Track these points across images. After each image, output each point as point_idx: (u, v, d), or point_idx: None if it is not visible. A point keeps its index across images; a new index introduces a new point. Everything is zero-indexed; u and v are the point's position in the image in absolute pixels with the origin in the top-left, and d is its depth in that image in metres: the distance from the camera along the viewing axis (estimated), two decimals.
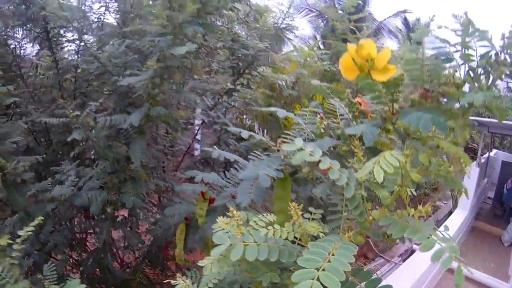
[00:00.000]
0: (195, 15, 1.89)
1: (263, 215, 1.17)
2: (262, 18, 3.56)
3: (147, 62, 1.98)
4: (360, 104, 1.43)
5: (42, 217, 1.60)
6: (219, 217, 1.15)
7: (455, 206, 7.66)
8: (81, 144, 2.33)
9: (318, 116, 1.41)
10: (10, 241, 1.21)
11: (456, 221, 6.26)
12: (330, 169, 0.98)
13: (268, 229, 1.07)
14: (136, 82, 1.90)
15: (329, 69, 3.09)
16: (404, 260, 5.81)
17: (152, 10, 2.24)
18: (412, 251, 6.12)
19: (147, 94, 2.10)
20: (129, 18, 2.88)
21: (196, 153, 4.29)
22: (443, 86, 1.13)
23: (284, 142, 1.45)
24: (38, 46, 4.16)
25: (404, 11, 24.45)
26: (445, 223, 6.02)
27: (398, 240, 1.12)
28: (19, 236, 1.47)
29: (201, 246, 2.01)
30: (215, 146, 1.64)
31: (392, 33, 24.52)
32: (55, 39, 3.47)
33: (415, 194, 1.11)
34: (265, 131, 4.35)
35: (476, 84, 1.17)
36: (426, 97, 1.22)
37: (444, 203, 8.96)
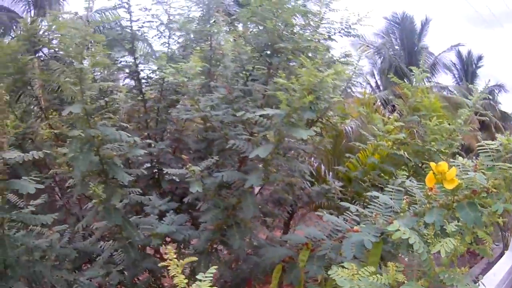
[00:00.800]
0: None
1: (367, 268, 2.41)
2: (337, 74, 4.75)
3: (267, 135, 3.21)
4: (431, 189, 2.66)
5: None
6: (334, 267, 2.40)
7: (506, 248, 8.67)
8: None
9: (405, 200, 2.65)
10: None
11: (505, 264, 7.24)
12: (415, 243, 2.21)
13: (373, 277, 2.31)
14: (265, 155, 3.11)
15: (403, 137, 4.28)
16: None
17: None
18: None
19: (260, 158, 3.33)
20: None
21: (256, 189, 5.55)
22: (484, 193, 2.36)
23: (377, 214, 2.70)
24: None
25: (458, 45, 27.49)
26: (494, 267, 7.07)
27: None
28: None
29: (296, 284, 3.25)
30: (324, 211, 2.87)
31: (446, 67, 27.37)
32: (144, 80, 4.82)
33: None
34: (330, 173, 5.64)
35: (507, 192, 2.40)
36: (474, 194, 2.45)
37: (497, 245, 9.99)
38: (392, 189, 2.84)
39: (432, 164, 2.38)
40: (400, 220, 2.48)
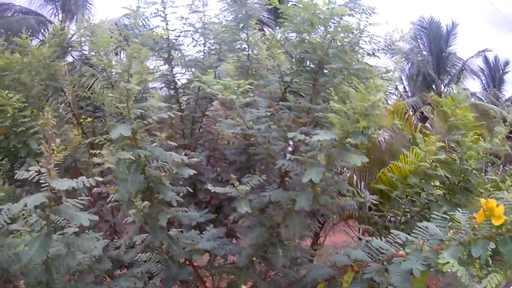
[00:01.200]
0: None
1: None
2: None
3: (318, 157, 3.57)
4: (475, 219, 3.06)
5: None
6: None
7: None
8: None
9: (452, 231, 3.05)
10: None
11: None
12: (462, 275, 2.63)
13: None
14: (318, 179, 3.47)
15: (444, 158, 4.62)
16: None
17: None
18: None
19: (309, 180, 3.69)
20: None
21: None
22: None
23: (424, 242, 3.11)
24: None
25: (485, 50, 29.06)
26: None
27: None
28: None
29: None
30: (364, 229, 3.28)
31: (474, 73, 28.91)
32: (181, 90, 5.23)
33: None
34: (362, 184, 6.06)
35: None
36: None
37: None
38: (438, 216, 3.25)
39: (483, 200, 2.80)
40: (446, 250, 2.90)
